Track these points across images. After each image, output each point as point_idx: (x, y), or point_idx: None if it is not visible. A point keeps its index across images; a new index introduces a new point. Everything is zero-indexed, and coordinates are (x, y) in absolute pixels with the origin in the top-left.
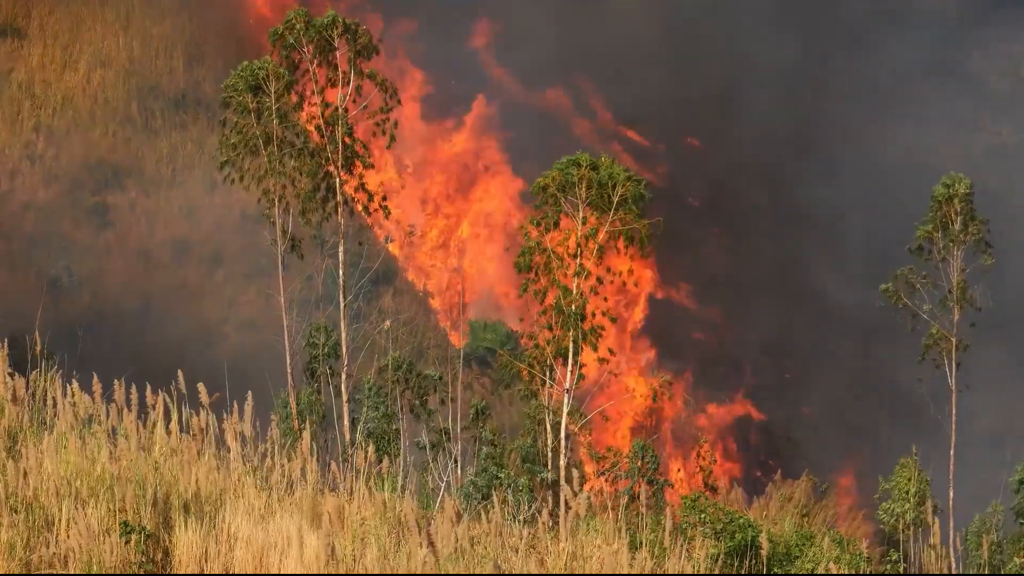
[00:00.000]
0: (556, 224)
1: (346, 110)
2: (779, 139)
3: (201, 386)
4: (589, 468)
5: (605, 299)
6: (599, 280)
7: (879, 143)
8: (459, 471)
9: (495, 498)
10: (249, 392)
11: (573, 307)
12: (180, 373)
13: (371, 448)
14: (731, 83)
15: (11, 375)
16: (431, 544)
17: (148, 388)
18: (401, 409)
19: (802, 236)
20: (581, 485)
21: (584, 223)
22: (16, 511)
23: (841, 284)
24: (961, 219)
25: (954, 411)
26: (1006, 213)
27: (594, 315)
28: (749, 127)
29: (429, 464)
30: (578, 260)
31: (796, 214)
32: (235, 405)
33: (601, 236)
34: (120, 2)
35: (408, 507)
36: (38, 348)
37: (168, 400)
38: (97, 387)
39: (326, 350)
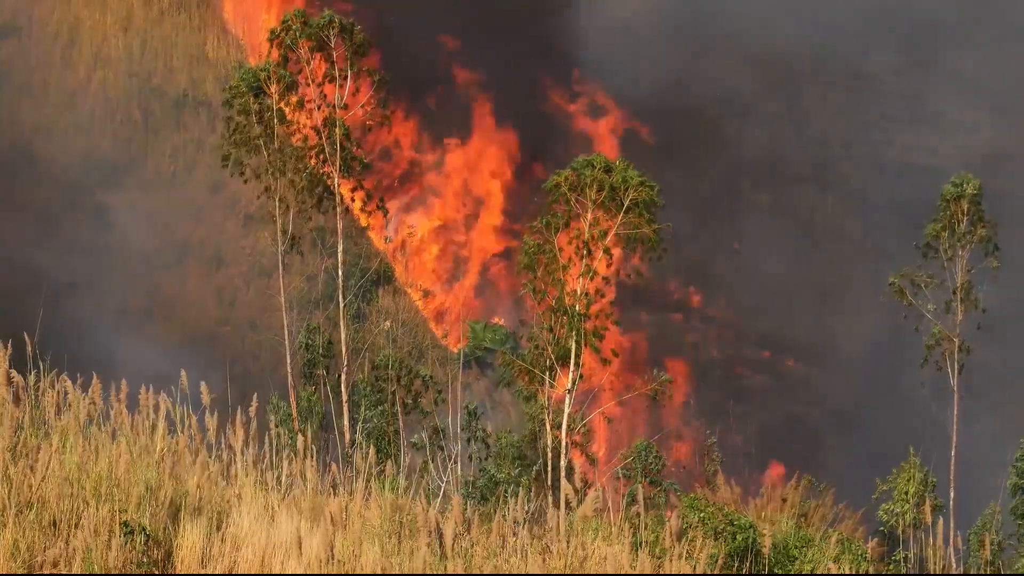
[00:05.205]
0: (567, 224)
1: (345, 106)
2: (780, 139)
3: (203, 386)
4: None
5: (612, 302)
6: (605, 280)
7: (879, 142)
8: (459, 470)
9: (495, 498)
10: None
11: (576, 307)
12: (182, 374)
13: (372, 450)
14: (732, 84)
15: (12, 376)
16: (441, 541)
17: (149, 389)
18: (396, 406)
19: (802, 234)
20: (584, 487)
21: (593, 225)
22: (21, 512)
23: (841, 283)
24: (968, 219)
25: (956, 413)
26: (1006, 214)
27: (597, 316)
28: (750, 127)
29: (428, 464)
30: (584, 261)
31: (797, 212)
32: (234, 406)
33: (609, 238)
34: (120, 2)
35: (414, 506)
36: (38, 349)
37: (169, 401)
38: (97, 388)
39: (320, 350)
